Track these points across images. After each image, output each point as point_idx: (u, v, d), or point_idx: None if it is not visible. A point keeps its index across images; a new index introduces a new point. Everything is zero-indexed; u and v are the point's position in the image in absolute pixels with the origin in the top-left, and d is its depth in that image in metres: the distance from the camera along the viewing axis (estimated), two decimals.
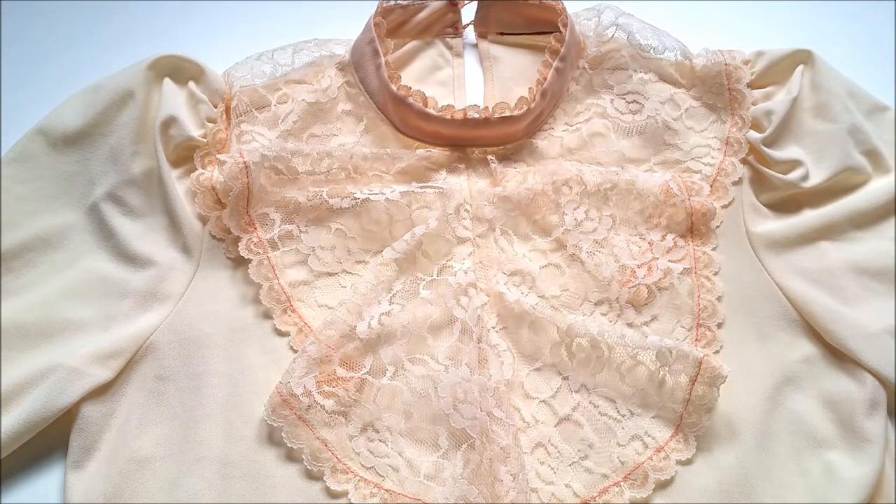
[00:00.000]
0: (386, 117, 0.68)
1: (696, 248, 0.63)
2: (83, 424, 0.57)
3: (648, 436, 0.57)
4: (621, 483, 0.55)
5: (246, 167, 0.62)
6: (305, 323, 0.60)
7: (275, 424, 0.56)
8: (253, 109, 0.68)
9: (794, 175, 0.65)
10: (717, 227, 0.65)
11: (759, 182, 0.67)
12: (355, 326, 0.58)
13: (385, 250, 0.61)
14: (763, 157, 0.67)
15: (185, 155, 0.66)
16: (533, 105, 0.66)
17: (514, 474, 0.53)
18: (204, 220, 0.64)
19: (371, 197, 0.63)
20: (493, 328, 0.61)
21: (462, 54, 0.76)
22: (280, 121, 0.67)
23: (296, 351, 0.59)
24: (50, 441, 0.58)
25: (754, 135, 0.67)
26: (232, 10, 0.85)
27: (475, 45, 0.77)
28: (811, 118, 0.68)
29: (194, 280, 0.62)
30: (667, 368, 0.57)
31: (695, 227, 0.64)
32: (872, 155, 0.66)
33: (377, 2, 0.71)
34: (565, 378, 0.59)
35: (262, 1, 0.85)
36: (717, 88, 0.69)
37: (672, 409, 0.57)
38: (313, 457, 0.55)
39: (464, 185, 0.66)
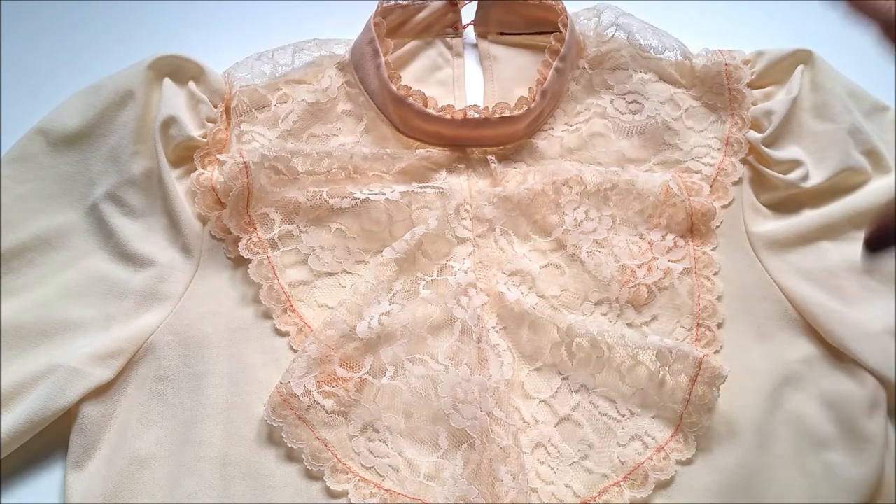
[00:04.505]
0: (386, 117, 0.68)
1: (696, 248, 0.63)
2: (83, 424, 0.57)
3: (648, 436, 0.57)
4: (621, 483, 0.55)
5: (246, 167, 0.62)
6: (305, 323, 0.60)
7: (275, 424, 0.56)
8: (253, 109, 0.68)
9: (794, 175, 0.65)
10: (717, 227, 0.64)
11: (759, 182, 0.67)
12: (355, 326, 0.57)
13: (385, 250, 0.61)
14: (763, 157, 0.66)
15: (185, 155, 0.66)
16: (533, 105, 0.66)
17: (514, 474, 0.53)
18: (204, 220, 0.64)
19: (371, 197, 0.63)
20: (493, 328, 0.60)
21: (462, 54, 0.76)
22: (280, 121, 0.67)
23: (296, 351, 0.59)
24: (50, 441, 0.57)
25: (754, 135, 0.67)
26: (232, 10, 0.85)
27: (475, 45, 0.77)
28: (811, 118, 0.68)
29: (194, 280, 0.62)
30: (667, 368, 0.57)
31: (695, 227, 0.64)
32: (872, 155, 0.66)
33: (377, 2, 0.71)
34: (565, 378, 0.59)
35: (262, 1, 0.85)
36: (717, 88, 0.69)
37: (672, 409, 0.57)
38: (313, 457, 0.55)
39: (464, 185, 0.66)
